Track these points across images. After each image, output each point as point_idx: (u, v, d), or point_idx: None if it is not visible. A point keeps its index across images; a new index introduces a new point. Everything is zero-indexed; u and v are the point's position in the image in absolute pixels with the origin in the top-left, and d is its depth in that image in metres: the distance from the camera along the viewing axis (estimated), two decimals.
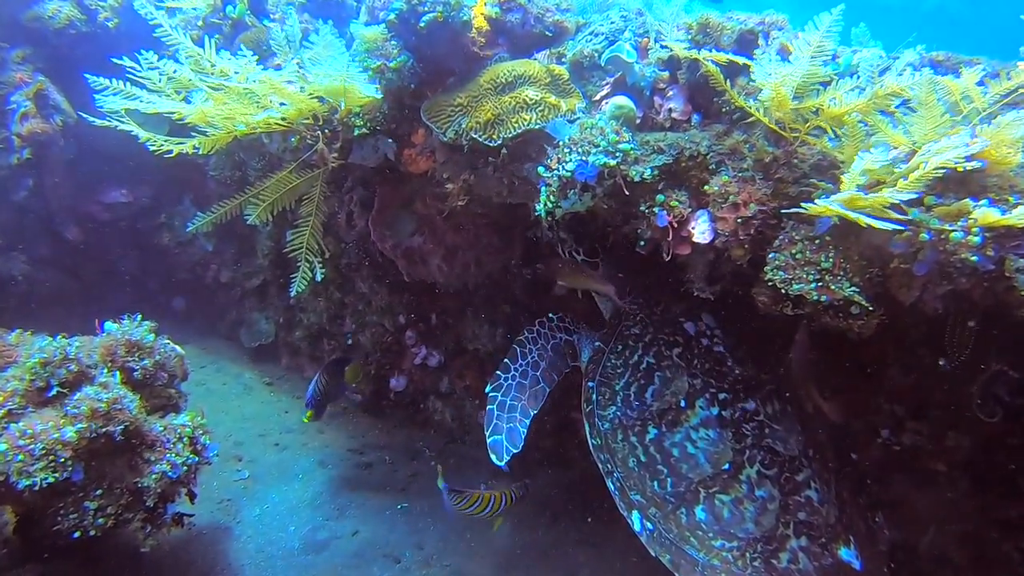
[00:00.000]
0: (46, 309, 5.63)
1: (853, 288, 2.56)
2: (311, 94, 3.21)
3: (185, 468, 3.30)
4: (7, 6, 5.10)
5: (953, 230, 2.33)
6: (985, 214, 2.27)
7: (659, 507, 3.14)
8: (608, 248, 3.83)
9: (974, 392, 3.21)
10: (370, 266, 5.03)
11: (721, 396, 3.34)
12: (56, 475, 2.88)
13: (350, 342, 5.51)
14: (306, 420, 4.44)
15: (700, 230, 2.93)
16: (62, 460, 2.90)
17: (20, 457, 2.84)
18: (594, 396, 3.51)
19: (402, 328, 5.23)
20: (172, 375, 3.63)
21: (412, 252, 4.30)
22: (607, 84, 3.30)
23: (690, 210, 2.96)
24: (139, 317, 3.54)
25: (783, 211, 2.70)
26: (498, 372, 3.71)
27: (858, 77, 2.60)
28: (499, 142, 3.15)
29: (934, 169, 2.28)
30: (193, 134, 3.28)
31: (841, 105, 2.48)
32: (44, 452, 2.87)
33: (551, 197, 3.00)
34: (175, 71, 3.15)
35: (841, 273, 2.58)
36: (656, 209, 2.96)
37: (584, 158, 2.85)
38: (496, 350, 4.92)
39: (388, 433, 5.37)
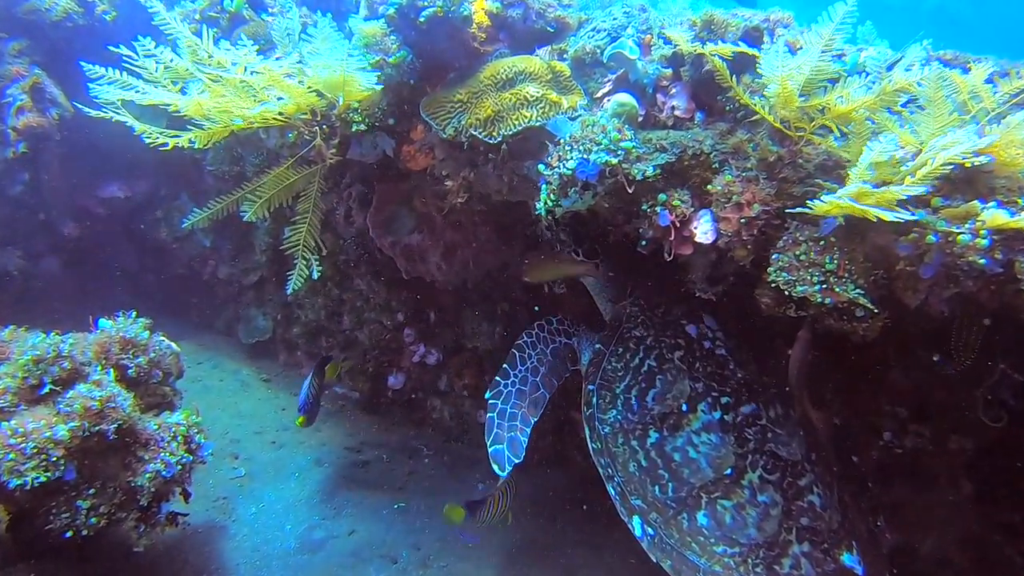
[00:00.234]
0: (42, 304, 5.58)
1: (858, 290, 2.52)
2: (310, 88, 3.16)
3: (179, 467, 3.26)
4: None
5: (961, 232, 2.29)
6: (994, 216, 2.23)
7: (660, 512, 3.10)
8: (608, 249, 3.79)
9: (979, 396, 3.18)
10: (369, 263, 4.99)
11: (723, 400, 3.30)
12: (48, 474, 2.84)
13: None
14: (298, 425, 4.37)
15: (702, 230, 2.89)
16: (54, 459, 2.86)
17: (11, 456, 2.79)
18: (594, 399, 3.47)
19: (400, 326, 5.19)
20: (167, 373, 3.58)
21: (411, 249, 4.26)
22: (609, 81, 3.25)
23: (692, 210, 2.92)
24: (134, 314, 3.49)
25: (787, 211, 2.66)
26: (497, 378, 3.67)
27: (866, 75, 2.55)
28: (499, 139, 3.11)
29: (942, 165, 2.24)
30: (189, 127, 3.24)
31: (849, 102, 2.43)
32: (36, 451, 2.82)
33: (551, 195, 2.96)
34: (172, 60, 3.11)
35: (846, 275, 2.54)
36: (658, 208, 2.92)
37: (585, 156, 2.80)
38: (495, 348, 4.89)
39: (386, 431, 5.34)
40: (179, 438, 3.30)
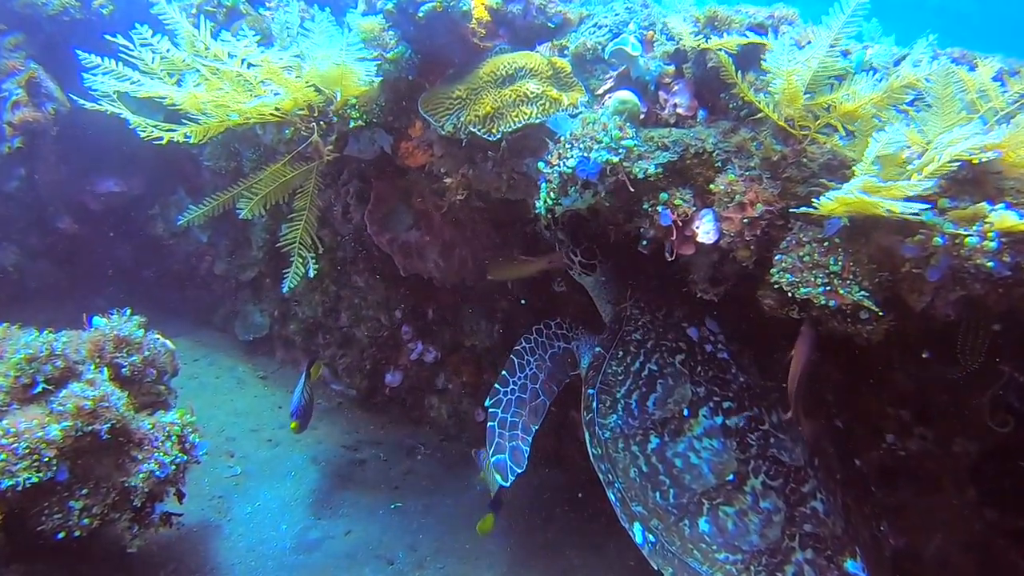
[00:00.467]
0: (38, 300, 5.55)
1: (863, 292, 2.48)
2: (307, 83, 3.11)
3: (173, 467, 3.24)
4: None
5: (968, 235, 2.24)
6: (1002, 218, 2.19)
7: (661, 519, 3.06)
8: (607, 250, 3.75)
9: (985, 401, 3.14)
10: (366, 260, 4.95)
11: (725, 405, 3.25)
12: (40, 475, 2.82)
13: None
14: (292, 430, 4.28)
15: (704, 230, 2.85)
16: (46, 459, 2.83)
17: (3, 456, 2.77)
18: (594, 404, 3.42)
19: (398, 323, 5.15)
20: (162, 371, 3.55)
21: (409, 247, 4.21)
22: (610, 78, 3.20)
23: (694, 209, 2.87)
24: (128, 311, 3.46)
25: (791, 211, 2.61)
26: (497, 386, 3.63)
27: (873, 72, 2.50)
28: (498, 136, 3.06)
29: (949, 161, 2.19)
30: (185, 122, 3.19)
31: (856, 99, 2.38)
32: (28, 451, 2.80)
33: (551, 194, 2.91)
34: (168, 50, 3.06)
35: (850, 277, 2.50)
36: (659, 208, 2.87)
37: (586, 154, 2.76)
38: (494, 347, 4.85)
39: (383, 429, 5.30)
40: (173, 438, 3.28)
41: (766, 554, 2.92)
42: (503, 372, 3.68)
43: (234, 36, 3.08)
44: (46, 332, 3.14)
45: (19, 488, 2.76)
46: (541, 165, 2.97)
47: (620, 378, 3.43)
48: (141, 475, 3.13)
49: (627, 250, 3.71)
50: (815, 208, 2.44)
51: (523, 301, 4.34)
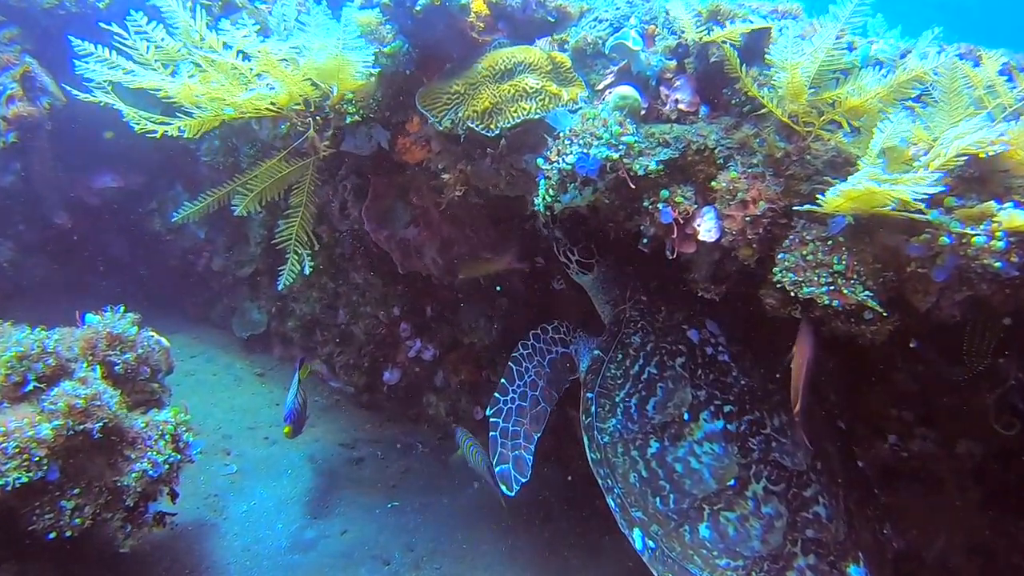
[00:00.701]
0: (34, 297, 5.50)
1: (867, 292, 2.44)
2: (304, 75, 3.06)
3: (167, 466, 3.19)
4: None
5: (976, 234, 2.20)
6: (1011, 217, 2.15)
7: (662, 525, 3.02)
8: (605, 249, 3.70)
9: (990, 403, 3.09)
10: (364, 256, 4.91)
11: (726, 408, 3.20)
12: (30, 474, 2.77)
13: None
14: (285, 435, 4.17)
15: (706, 228, 2.80)
16: (37, 459, 2.79)
17: None
18: (593, 408, 3.38)
19: (396, 320, 5.11)
20: (156, 369, 3.50)
21: (407, 243, 4.17)
22: (611, 73, 3.15)
23: (696, 207, 2.82)
24: (122, 309, 3.41)
25: (794, 208, 2.57)
26: (496, 395, 3.59)
27: (880, 67, 2.45)
28: (497, 132, 3.01)
29: (956, 155, 2.14)
30: (180, 115, 3.14)
31: (862, 94, 2.33)
32: (18, 450, 2.75)
33: (550, 191, 2.87)
34: (163, 39, 3.00)
35: (854, 276, 2.45)
36: (660, 205, 2.82)
37: (585, 150, 2.71)
38: (492, 344, 4.80)
39: (380, 427, 5.27)
40: (167, 436, 3.24)
41: (768, 560, 2.88)
42: (502, 380, 3.64)
43: (233, 25, 3.02)
44: (38, 329, 3.10)
45: (9, 488, 2.72)
46: (540, 161, 2.92)
47: (619, 381, 3.38)
48: (134, 474, 3.09)
49: (627, 249, 3.68)
50: (819, 205, 2.39)
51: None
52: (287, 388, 5.04)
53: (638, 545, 3.03)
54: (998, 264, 2.18)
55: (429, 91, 3.21)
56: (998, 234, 2.17)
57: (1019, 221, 2.12)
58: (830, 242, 2.50)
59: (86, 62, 2.96)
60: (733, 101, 2.86)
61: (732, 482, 3.03)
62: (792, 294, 2.57)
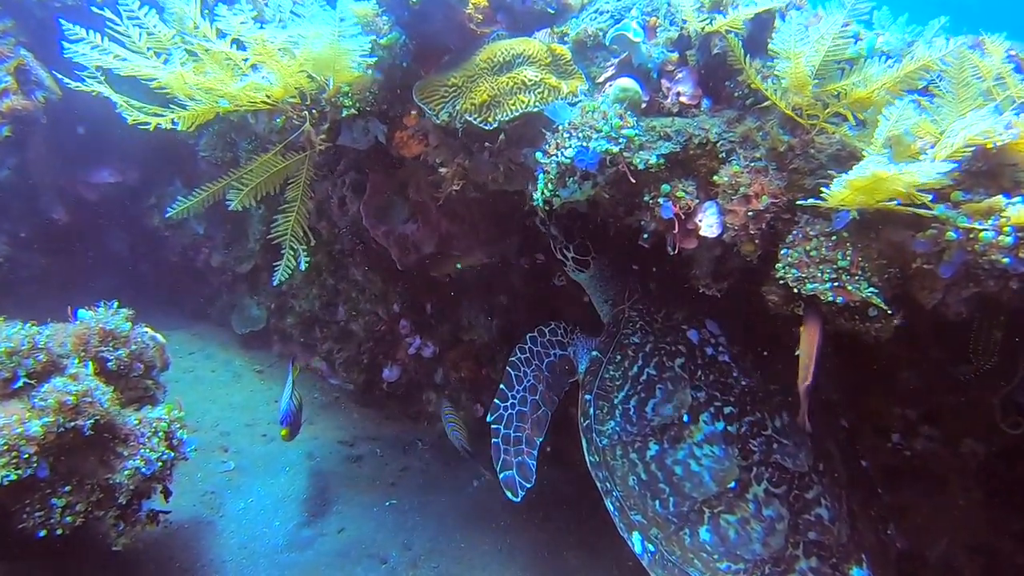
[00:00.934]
0: (30, 292, 5.46)
1: (872, 289, 2.38)
2: (300, 66, 3.00)
3: (160, 464, 3.16)
4: None
5: (983, 229, 2.14)
6: (1019, 212, 2.09)
7: (661, 528, 2.97)
8: (605, 246, 3.66)
9: (996, 402, 3.04)
10: (364, 253, 4.86)
11: (727, 410, 3.15)
12: (19, 471, 2.74)
13: None
14: (282, 438, 4.07)
15: (708, 223, 2.75)
16: (26, 456, 2.76)
17: None
18: (591, 410, 3.33)
19: (396, 317, 5.07)
20: (150, 365, 3.47)
21: (405, 239, 4.12)
22: (612, 65, 3.09)
23: (697, 201, 2.77)
24: (115, 304, 3.37)
25: (798, 203, 2.51)
26: (496, 401, 3.55)
27: (887, 58, 2.39)
28: (495, 125, 2.95)
29: (964, 145, 2.08)
30: (173, 107, 3.09)
31: (868, 84, 2.27)
32: (7, 447, 2.72)
33: (549, 185, 2.81)
34: (156, 26, 2.94)
35: (859, 272, 2.40)
36: (661, 200, 2.77)
37: (585, 144, 2.65)
38: (492, 341, 4.76)
39: (380, 425, 5.23)
40: (160, 434, 3.20)
41: (769, 563, 2.84)
42: (501, 386, 3.60)
43: (229, 10, 2.96)
44: (29, 325, 3.06)
45: None
46: (539, 155, 2.87)
47: (618, 383, 3.34)
48: (126, 472, 3.05)
49: (626, 247, 3.64)
50: (823, 199, 2.34)
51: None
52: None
53: (637, 549, 2.99)
54: (1006, 260, 2.13)
55: (426, 84, 3.16)
56: (1006, 229, 2.11)
57: None
58: (834, 238, 2.45)
59: (76, 45, 2.90)
60: (736, 94, 2.80)
61: (733, 484, 2.98)
62: (795, 291, 2.52)
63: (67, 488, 2.92)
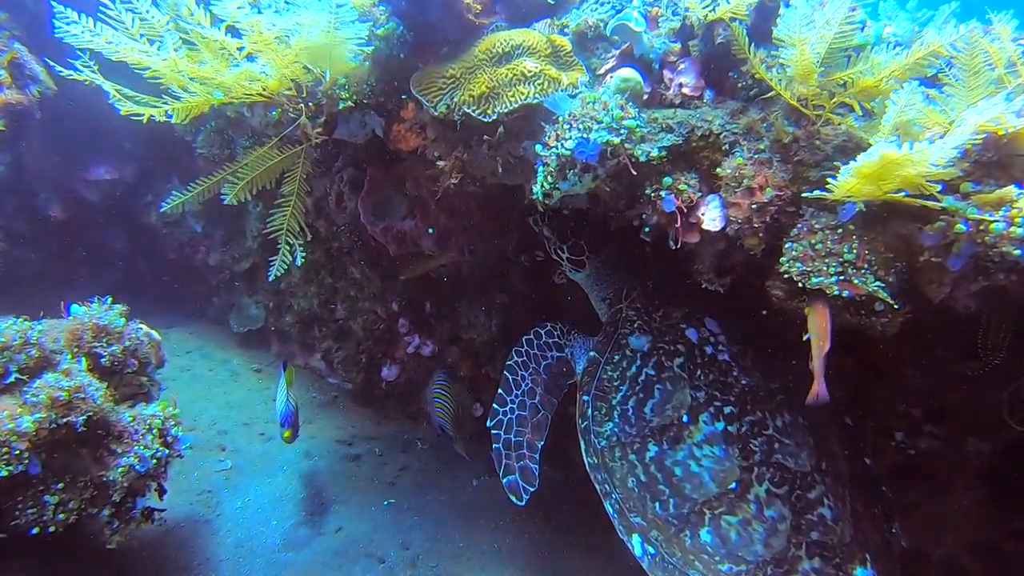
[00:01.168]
0: (26, 289, 5.40)
1: (878, 283, 2.33)
2: (295, 57, 2.95)
3: (154, 461, 3.11)
4: None
5: (994, 220, 2.10)
6: None
7: (661, 530, 2.93)
8: (597, 246, 3.63)
9: (1004, 398, 2.99)
10: (362, 250, 4.81)
11: (727, 410, 3.10)
12: (10, 468, 2.69)
13: None
14: (285, 440, 3.95)
15: (710, 216, 2.70)
16: (17, 452, 2.71)
17: None
18: (589, 411, 3.28)
19: (395, 316, 5.02)
20: (144, 362, 3.41)
21: (403, 236, 4.07)
22: (613, 57, 3.04)
23: (700, 195, 2.72)
24: (109, 299, 3.33)
25: (804, 195, 2.46)
26: (495, 406, 3.51)
27: (896, 45, 2.34)
28: (494, 117, 2.90)
29: (975, 131, 2.03)
30: (166, 98, 3.04)
31: (876, 72, 2.22)
32: None
33: (548, 178, 2.76)
34: (148, 11, 2.89)
35: (865, 266, 2.35)
36: (663, 193, 2.72)
37: (585, 135, 2.60)
38: (492, 340, 4.71)
39: (378, 424, 5.18)
40: (155, 431, 3.16)
41: (772, 564, 2.79)
42: (499, 391, 3.55)
43: None
44: (21, 320, 3.01)
45: None
46: (539, 148, 2.82)
47: (616, 384, 3.29)
48: (120, 469, 3.01)
49: (624, 244, 3.59)
50: (829, 191, 2.29)
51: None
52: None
53: (637, 551, 2.94)
54: (1017, 252, 2.08)
55: (424, 75, 3.11)
56: (1018, 220, 2.07)
57: None
58: (840, 230, 2.40)
59: (66, 24, 2.85)
60: (739, 85, 2.76)
61: (734, 485, 2.94)
62: (800, 285, 2.48)
63: (60, 485, 2.87)
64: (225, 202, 3.37)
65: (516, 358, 3.63)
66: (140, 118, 2.98)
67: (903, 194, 2.23)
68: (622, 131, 2.61)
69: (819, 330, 2.42)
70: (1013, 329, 2.64)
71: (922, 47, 2.19)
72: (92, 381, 2.98)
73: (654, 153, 2.67)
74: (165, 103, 3.01)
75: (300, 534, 3.97)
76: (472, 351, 4.89)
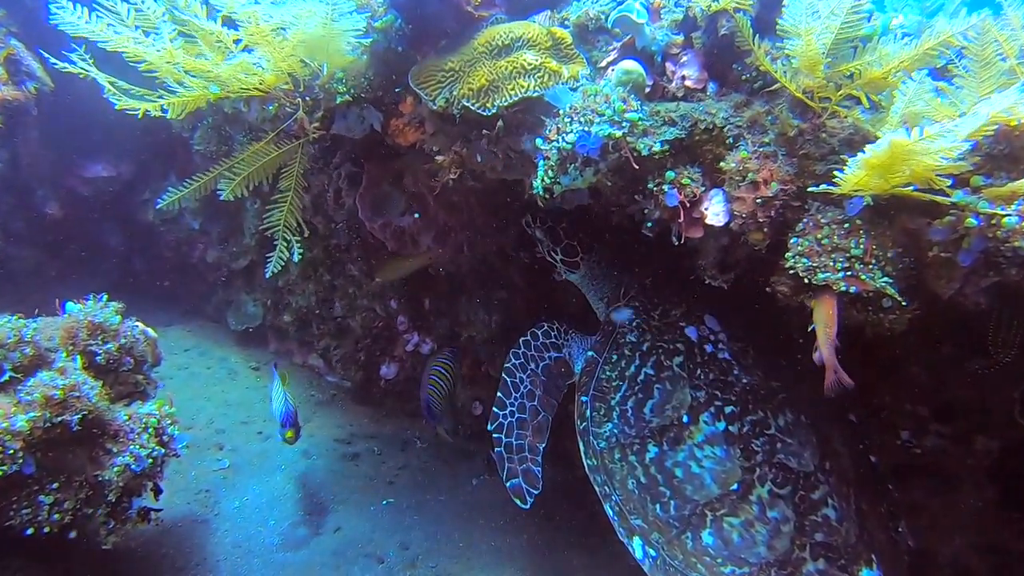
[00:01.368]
0: (23, 287, 5.36)
1: (886, 279, 2.29)
2: (292, 49, 2.90)
3: (150, 460, 3.07)
4: None
5: (1006, 214, 2.05)
6: None
7: (662, 532, 2.88)
8: (592, 246, 3.59)
9: (1016, 396, 2.94)
10: (361, 247, 4.77)
11: (728, 409, 3.05)
12: (4, 467, 2.65)
13: None
14: (288, 440, 3.86)
15: (714, 211, 2.65)
16: (11, 451, 2.67)
17: None
18: (588, 412, 3.24)
19: (394, 313, 4.97)
20: (140, 360, 3.37)
21: (402, 232, 4.03)
22: (614, 49, 2.99)
23: (703, 189, 2.68)
24: (104, 297, 3.28)
25: (810, 189, 2.41)
26: (495, 409, 3.47)
27: (904, 35, 2.29)
28: (493, 110, 2.86)
29: (986, 123, 1.99)
30: (162, 92, 2.99)
31: (884, 62, 2.17)
32: None
33: (549, 172, 2.72)
34: (144, 1, 2.85)
35: (873, 261, 2.31)
36: (666, 187, 2.68)
37: (587, 128, 2.56)
38: (491, 338, 4.66)
39: (377, 423, 5.14)
40: (150, 430, 3.12)
41: (775, 566, 2.75)
42: (498, 394, 3.51)
43: None
44: (16, 318, 2.97)
45: None
46: (539, 142, 2.78)
47: (615, 384, 3.25)
48: (116, 468, 2.97)
49: (621, 243, 3.55)
50: (836, 185, 2.24)
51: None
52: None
53: (638, 554, 2.91)
54: None
55: (423, 68, 3.06)
56: None
57: None
58: (847, 225, 2.36)
59: (61, 10, 2.80)
60: (743, 77, 2.71)
61: (735, 486, 2.89)
62: (805, 280, 2.43)
63: (55, 485, 2.84)
64: (221, 198, 3.32)
65: (514, 360, 3.59)
66: (136, 113, 2.94)
67: (912, 188, 2.18)
68: (624, 124, 2.56)
69: (825, 319, 2.37)
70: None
71: (932, 36, 2.14)
72: (87, 379, 2.93)
73: (656, 147, 2.63)
74: (161, 97, 2.96)
75: (298, 534, 3.93)
76: (472, 349, 4.85)
